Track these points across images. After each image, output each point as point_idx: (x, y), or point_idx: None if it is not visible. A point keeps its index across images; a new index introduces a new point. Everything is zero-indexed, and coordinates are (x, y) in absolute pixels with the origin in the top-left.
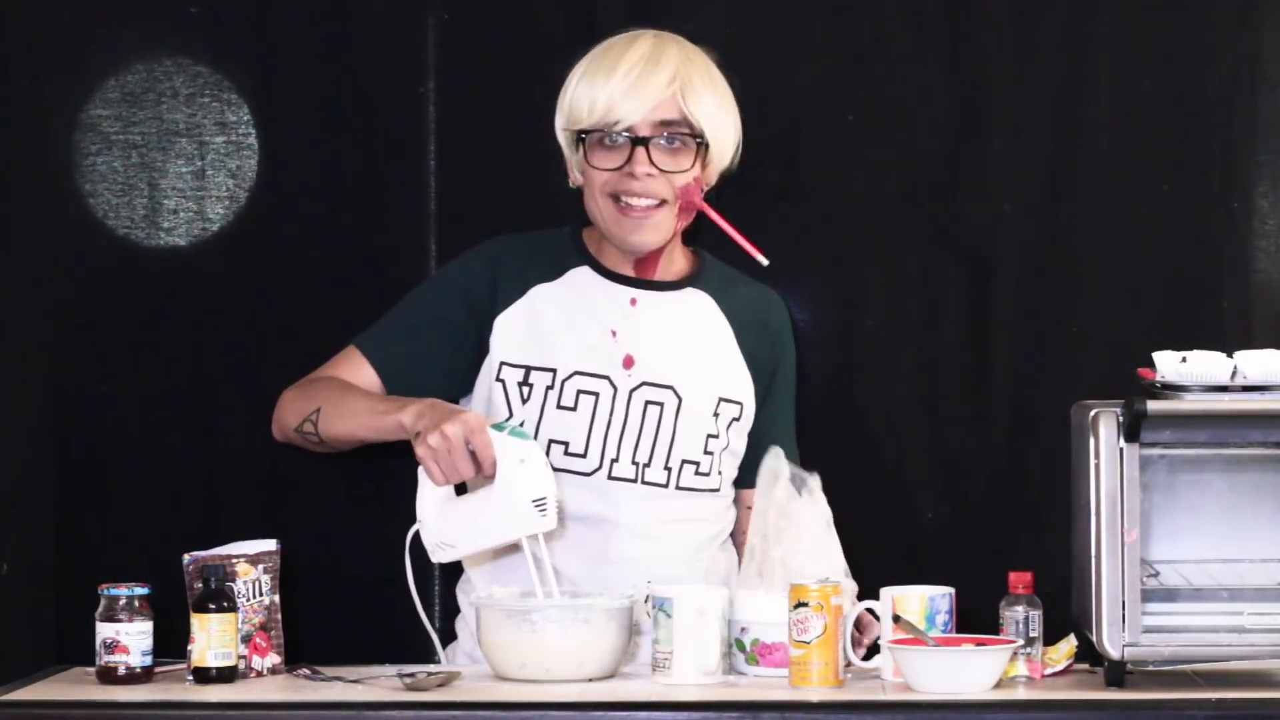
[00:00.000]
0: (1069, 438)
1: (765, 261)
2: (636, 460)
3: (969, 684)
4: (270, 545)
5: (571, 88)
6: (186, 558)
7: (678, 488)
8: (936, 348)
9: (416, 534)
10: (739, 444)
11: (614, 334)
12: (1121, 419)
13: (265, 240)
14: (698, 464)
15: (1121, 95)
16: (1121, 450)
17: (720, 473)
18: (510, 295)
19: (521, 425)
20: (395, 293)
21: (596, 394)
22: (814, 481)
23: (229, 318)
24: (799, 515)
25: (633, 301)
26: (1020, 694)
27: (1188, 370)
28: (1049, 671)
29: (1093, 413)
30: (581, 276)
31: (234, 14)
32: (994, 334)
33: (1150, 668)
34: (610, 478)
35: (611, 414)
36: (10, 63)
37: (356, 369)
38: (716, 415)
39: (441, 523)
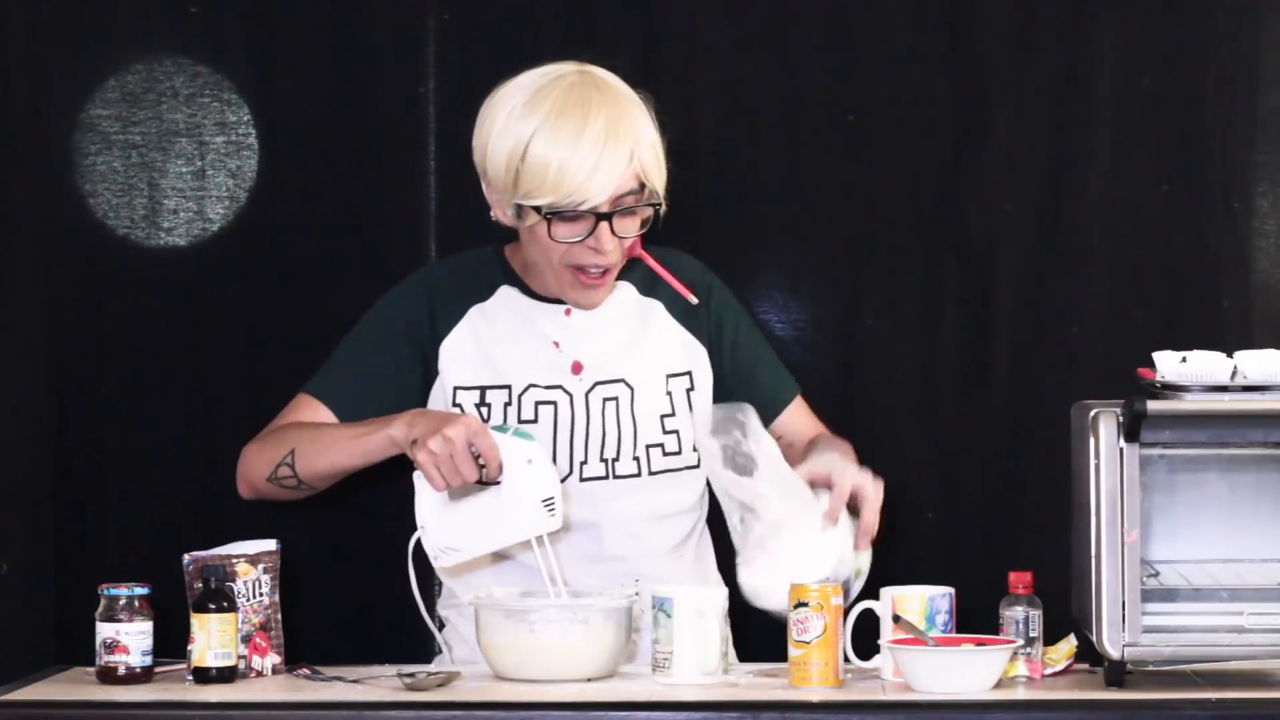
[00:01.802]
0: (1069, 438)
1: (695, 300)
2: (605, 457)
3: (969, 684)
4: (270, 545)
5: (504, 141)
6: (186, 558)
7: (651, 473)
8: (936, 348)
9: (418, 541)
10: (707, 408)
11: (556, 345)
12: (1121, 419)
13: (265, 240)
14: (662, 445)
15: (1121, 95)
16: (1121, 450)
17: (695, 449)
18: (450, 320)
19: (519, 425)
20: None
21: (554, 403)
22: (749, 420)
23: (229, 318)
24: (756, 495)
25: (567, 312)
26: (1020, 694)
27: (1188, 370)
28: (1049, 671)
29: (1093, 413)
30: (512, 295)
31: (234, 14)
32: (994, 334)
33: (1150, 668)
34: (583, 480)
35: (573, 419)
36: (10, 63)
37: (312, 414)
38: (669, 393)
39: (444, 527)
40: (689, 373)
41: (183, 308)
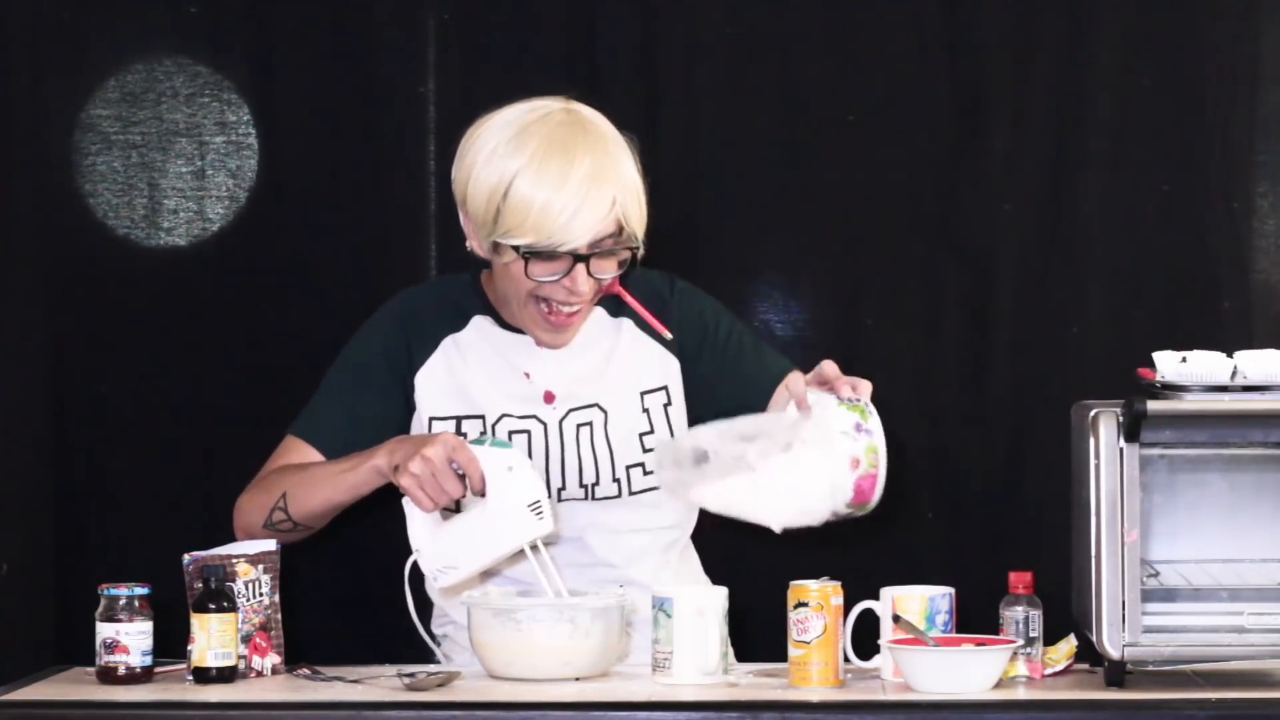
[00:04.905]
0: (1069, 438)
1: (669, 335)
2: (585, 483)
3: (969, 684)
4: (270, 545)
5: (487, 177)
6: (186, 558)
7: (632, 493)
8: (936, 348)
9: (415, 564)
10: (680, 423)
11: (527, 376)
12: (1121, 419)
13: (265, 240)
14: (642, 464)
15: (1121, 95)
16: (1121, 450)
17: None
18: (425, 350)
19: (497, 436)
20: (395, 293)
21: (528, 432)
22: (680, 439)
23: (229, 318)
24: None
25: (538, 342)
26: (1020, 694)
27: (1188, 370)
28: (1049, 671)
29: (1093, 413)
30: (485, 325)
31: (234, 14)
32: (994, 334)
33: (1150, 668)
34: (561, 501)
35: (548, 447)
36: (10, 63)
37: (300, 456)
38: (646, 410)
39: (438, 547)
40: (665, 387)
41: (183, 308)
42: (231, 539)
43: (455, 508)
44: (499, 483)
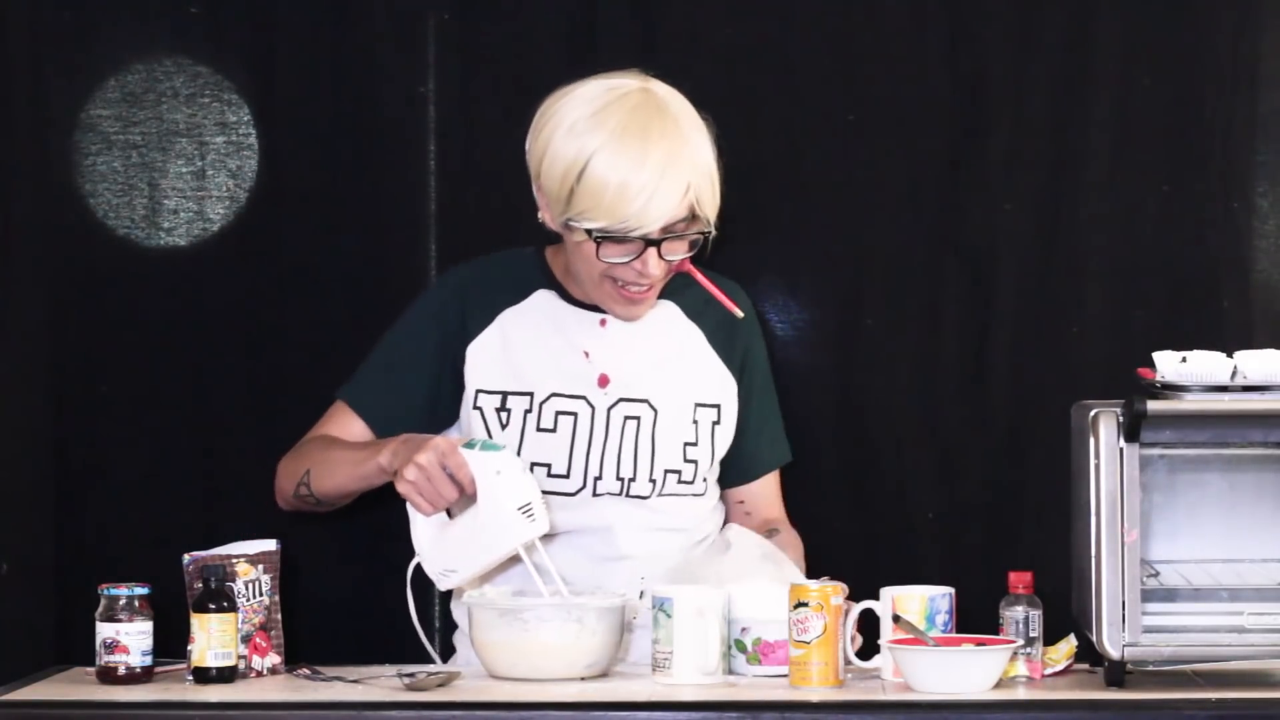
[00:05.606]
0: (1069, 438)
1: (740, 314)
2: (621, 476)
3: (969, 684)
4: (270, 545)
5: (564, 153)
6: (186, 558)
7: (660, 495)
8: (936, 348)
9: (418, 566)
10: (722, 446)
11: (586, 355)
12: (1121, 419)
13: (265, 240)
14: (680, 472)
15: (1121, 95)
16: (1121, 450)
17: (705, 479)
18: (480, 322)
19: (493, 439)
20: (396, 294)
21: (575, 414)
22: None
23: (229, 318)
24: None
25: (602, 322)
26: (1020, 694)
27: (1188, 370)
28: (1049, 671)
29: (1093, 413)
30: (548, 299)
31: (234, 14)
32: (994, 334)
33: (1150, 668)
34: (595, 495)
35: (591, 433)
36: (10, 63)
37: (346, 423)
38: (695, 422)
39: (438, 550)
40: (718, 405)
41: (183, 308)
42: (231, 537)
43: None
44: (489, 487)
